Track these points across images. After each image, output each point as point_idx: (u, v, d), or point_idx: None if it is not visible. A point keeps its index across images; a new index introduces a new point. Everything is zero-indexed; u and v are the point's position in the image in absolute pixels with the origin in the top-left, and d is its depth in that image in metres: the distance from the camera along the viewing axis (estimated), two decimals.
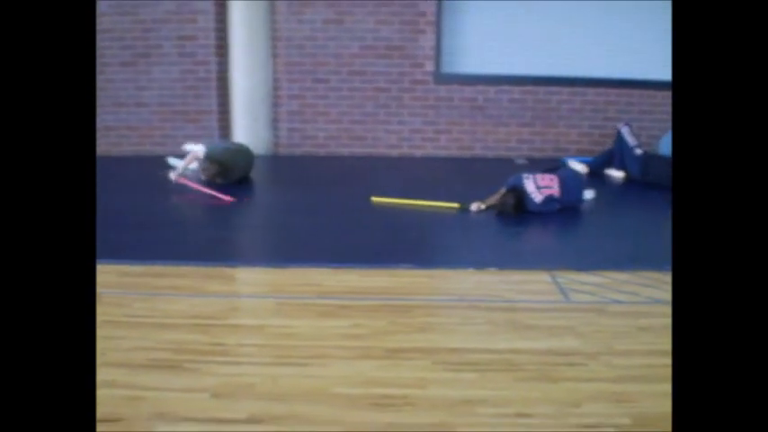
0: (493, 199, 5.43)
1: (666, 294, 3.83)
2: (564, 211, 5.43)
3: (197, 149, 6.15)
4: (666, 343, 3.24)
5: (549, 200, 5.37)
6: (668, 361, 3.05)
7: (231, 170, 6.04)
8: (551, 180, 5.47)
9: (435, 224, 5.17)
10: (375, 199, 5.63)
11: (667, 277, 4.07)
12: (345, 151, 7.49)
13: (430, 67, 7.44)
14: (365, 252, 4.37)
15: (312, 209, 5.44)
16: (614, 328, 3.40)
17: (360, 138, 7.54)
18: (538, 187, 5.38)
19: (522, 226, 5.13)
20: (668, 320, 3.48)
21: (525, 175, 5.47)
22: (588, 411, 2.64)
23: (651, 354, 3.15)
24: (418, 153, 7.54)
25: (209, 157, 6.03)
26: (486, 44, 7.60)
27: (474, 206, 5.41)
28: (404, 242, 4.63)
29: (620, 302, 3.72)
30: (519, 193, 5.32)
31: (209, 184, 5.91)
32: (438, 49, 7.41)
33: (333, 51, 7.41)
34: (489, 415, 2.61)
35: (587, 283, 3.94)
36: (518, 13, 7.52)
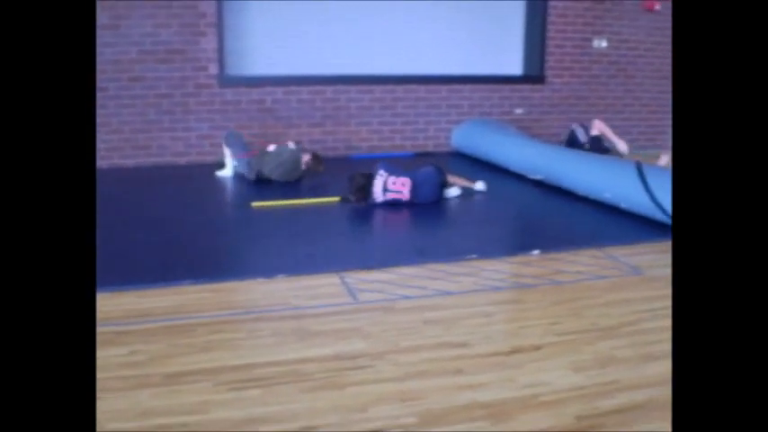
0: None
1: (452, 285, 3.92)
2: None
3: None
4: (450, 334, 3.31)
5: (391, 202, 5.55)
6: (452, 353, 3.12)
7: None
8: (403, 185, 5.55)
9: (226, 233, 4.99)
10: (255, 204, 5.53)
11: (453, 268, 4.18)
12: (130, 162, 7.08)
13: (214, 69, 7.20)
14: (144, 271, 4.09)
15: None
16: (401, 324, 3.42)
17: (144, 147, 7.14)
18: (385, 190, 5.51)
19: (315, 227, 5.07)
20: (453, 312, 3.57)
21: (380, 173, 5.56)
22: (374, 415, 2.62)
23: (436, 347, 3.19)
24: (209, 159, 7.25)
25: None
26: (271, 45, 7.50)
27: (355, 197, 5.55)
28: (188, 256, 4.40)
29: (408, 298, 3.75)
30: (369, 181, 5.50)
31: None
32: (221, 51, 7.19)
33: (110, 58, 6.95)
34: None
35: (376, 281, 3.96)
36: (301, 13, 7.49)
